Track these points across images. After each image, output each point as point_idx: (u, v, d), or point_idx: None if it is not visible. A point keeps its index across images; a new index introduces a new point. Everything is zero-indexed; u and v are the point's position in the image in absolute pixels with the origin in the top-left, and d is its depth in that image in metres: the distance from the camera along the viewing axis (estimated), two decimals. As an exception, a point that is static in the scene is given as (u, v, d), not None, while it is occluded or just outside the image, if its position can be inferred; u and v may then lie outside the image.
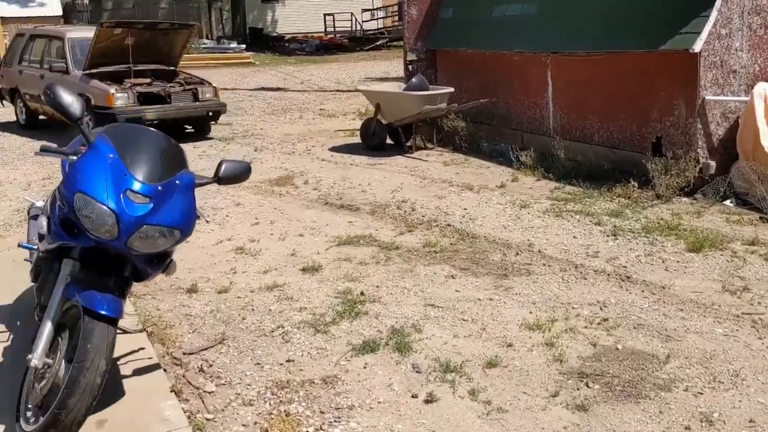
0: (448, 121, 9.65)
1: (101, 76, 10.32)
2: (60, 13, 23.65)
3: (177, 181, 3.09)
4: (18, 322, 4.12)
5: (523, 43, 8.95)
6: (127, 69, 10.49)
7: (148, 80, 10.65)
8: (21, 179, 8.32)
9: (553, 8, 8.65)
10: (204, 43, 27.76)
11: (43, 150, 3.18)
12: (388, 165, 8.69)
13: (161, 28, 11.12)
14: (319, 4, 40.59)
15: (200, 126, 11.07)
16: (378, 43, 31.93)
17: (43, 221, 3.11)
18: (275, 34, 36.81)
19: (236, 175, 3.40)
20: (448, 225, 6.14)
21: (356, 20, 34.83)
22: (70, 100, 3.04)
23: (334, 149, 9.79)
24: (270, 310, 4.42)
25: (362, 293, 4.61)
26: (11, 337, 3.97)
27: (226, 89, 17.58)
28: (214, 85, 11.20)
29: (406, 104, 9.22)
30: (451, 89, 9.50)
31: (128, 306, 4.31)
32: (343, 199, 7.12)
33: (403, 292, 4.67)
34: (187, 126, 11.20)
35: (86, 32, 11.34)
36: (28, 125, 11.86)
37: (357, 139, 10.04)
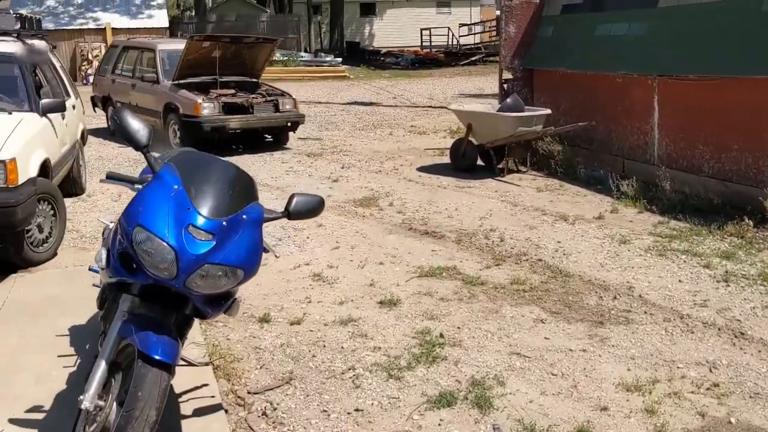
0: (543, 143, 9.19)
1: (189, 87, 10.67)
2: (167, 24, 24.49)
3: (244, 216, 2.86)
4: (87, 346, 4.01)
5: (627, 64, 8.40)
6: (213, 80, 10.85)
7: (232, 91, 10.92)
8: (113, 189, 8.42)
9: (663, 27, 8.06)
10: (301, 56, 28.15)
11: (109, 177, 3.03)
12: (478, 189, 8.31)
13: (246, 42, 11.42)
14: (416, 19, 40.64)
15: (279, 136, 11.37)
16: (474, 59, 31.53)
17: (103, 253, 2.95)
18: (371, 48, 37.04)
19: (308, 210, 3.15)
20: (540, 260, 5.71)
21: (453, 35, 34.56)
22: (137, 127, 2.87)
23: (422, 169, 9.49)
24: (342, 347, 4.15)
25: (441, 335, 4.26)
26: (78, 362, 3.85)
27: (320, 103, 17.65)
28: (294, 96, 11.53)
29: (500, 125, 8.83)
30: (548, 111, 9.04)
31: (197, 334, 4.15)
32: (428, 224, 6.80)
33: (486, 335, 4.30)
34: (267, 135, 11.48)
35: (175, 44, 11.91)
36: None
37: (446, 159, 9.72)
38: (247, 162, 10.00)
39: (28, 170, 5.28)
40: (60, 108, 6.25)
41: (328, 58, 28.53)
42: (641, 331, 4.35)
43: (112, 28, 23.28)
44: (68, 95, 7.78)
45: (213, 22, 29.00)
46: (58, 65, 7.87)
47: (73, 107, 7.74)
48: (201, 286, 2.71)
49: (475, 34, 35.89)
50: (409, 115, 15.46)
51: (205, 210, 2.74)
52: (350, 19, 40.44)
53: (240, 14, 31.75)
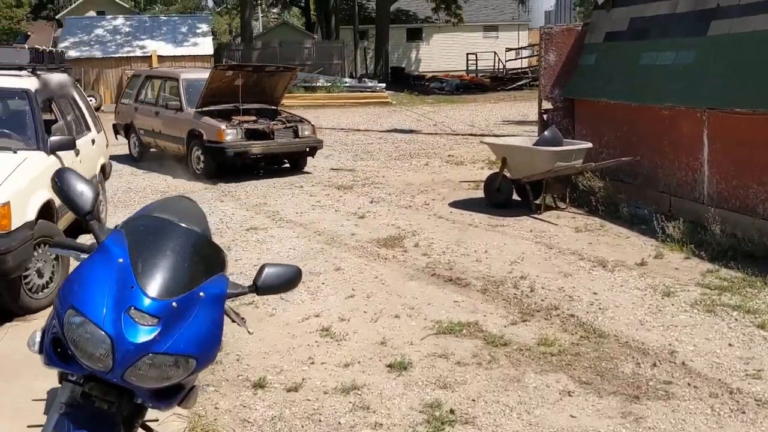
0: (583, 179, 8.63)
1: (212, 114, 10.91)
2: (211, 52, 24.68)
3: (201, 293, 2.43)
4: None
5: (675, 95, 7.81)
6: (234, 107, 11.12)
7: (253, 118, 11.14)
8: (134, 224, 8.15)
9: (712, 56, 7.46)
10: (345, 82, 28.03)
11: (54, 246, 2.65)
12: (511, 227, 7.79)
13: (268, 70, 11.78)
14: (462, 43, 40.31)
15: (297, 161, 11.65)
16: (520, 83, 30.96)
17: (37, 337, 2.56)
18: (416, 73, 36.80)
19: (280, 284, 2.67)
20: (572, 315, 5.17)
21: (499, 59, 34.07)
22: (80, 190, 2.48)
23: (454, 204, 9.02)
24: (340, 423, 3.69)
25: (452, 411, 3.77)
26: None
27: (358, 130, 17.34)
28: (313, 124, 11.78)
29: (536, 160, 8.31)
30: (588, 145, 8.48)
31: (181, 404, 3.74)
32: (453, 269, 6.31)
33: (504, 411, 3.79)
34: (285, 160, 11.79)
35: (198, 74, 12.27)
36: (140, 158, 12.78)
37: (481, 194, 9.22)
38: (274, 194, 9.69)
39: (26, 213, 5.01)
40: (69, 146, 6.00)
41: (371, 84, 28.35)
42: (683, 409, 3.78)
43: (158, 56, 23.53)
44: (88, 129, 7.58)
45: (258, 49, 29.16)
46: (79, 98, 7.68)
47: (93, 141, 7.53)
48: (143, 379, 2.29)
49: (522, 58, 35.35)
50: (448, 143, 15.01)
51: (151, 288, 2.33)
52: (396, 44, 40.36)
53: (284, 41, 31.91)
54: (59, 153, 6.05)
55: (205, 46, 24.80)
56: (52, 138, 5.91)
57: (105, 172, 8.13)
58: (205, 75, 11.35)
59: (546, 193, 8.52)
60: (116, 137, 13.33)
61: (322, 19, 40.22)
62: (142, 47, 24.08)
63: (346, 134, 16.69)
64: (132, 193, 10.00)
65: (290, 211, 8.68)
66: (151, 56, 23.38)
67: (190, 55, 24.03)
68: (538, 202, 8.52)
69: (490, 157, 12.09)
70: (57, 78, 7.14)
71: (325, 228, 7.84)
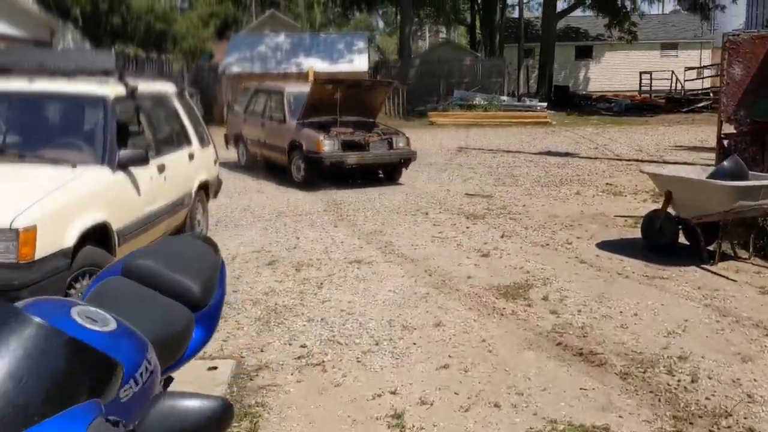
0: (774, 223, 6.75)
1: (312, 125, 11.29)
2: (365, 69, 24.27)
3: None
4: None
5: None
6: (333, 120, 11.47)
7: (350, 130, 11.41)
8: (239, 249, 7.38)
9: None
10: (502, 100, 26.57)
11: None
12: (673, 281, 6.11)
13: (366, 84, 12.55)
14: (636, 62, 37.40)
15: (391, 172, 11.83)
16: (699, 105, 27.87)
17: None
18: (583, 93, 34.51)
19: None
20: (750, 430, 3.55)
21: (677, 79, 31.01)
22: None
23: (603, 245, 7.42)
24: None
25: None
26: None
27: (508, 152, 15.91)
28: (408, 137, 11.99)
29: (711, 196, 6.55)
30: (783, 180, 6.60)
31: None
32: (587, 337, 4.83)
33: None
34: (379, 171, 11.97)
35: (302, 88, 12.69)
36: (248, 166, 13.17)
37: (638, 233, 7.56)
38: (393, 221, 8.59)
39: (61, 239, 4.23)
40: (139, 160, 5.24)
41: (531, 103, 26.66)
42: None
43: (314, 72, 23.42)
44: (186, 144, 6.89)
45: (416, 66, 28.48)
46: (183, 110, 7.02)
47: (191, 156, 6.82)
48: None
49: (703, 78, 31.98)
50: (608, 169, 13.19)
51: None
52: (564, 62, 38.25)
53: (442, 58, 31.01)
54: (133, 170, 5.31)
55: (361, 63, 24.42)
56: (122, 152, 5.17)
57: (208, 189, 7.42)
58: (307, 89, 11.82)
59: (723, 238, 6.73)
60: (227, 147, 13.71)
61: (487, 36, 39.05)
62: (298, 64, 24.11)
63: (493, 155, 15.32)
64: (248, 213, 9.31)
65: (405, 243, 7.52)
66: (306, 73, 23.33)
67: (344, 72, 23.73)
68: (711, 248, 6.75)
69: (656, 189, 10.26)
70: (151, 87, 6.49)
71: (439, 266, 6.60)
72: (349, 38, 26.53)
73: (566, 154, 15.50)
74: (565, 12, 35.15)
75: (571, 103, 29.97)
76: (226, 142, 13.75)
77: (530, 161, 14.42)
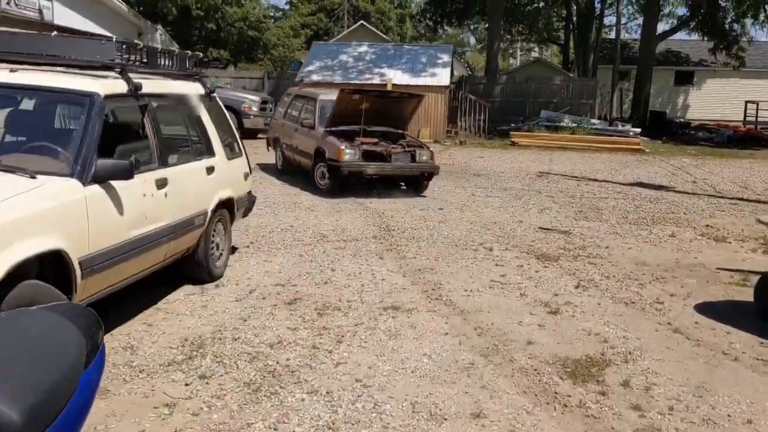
0: None
1: (338, 134, 11.14)
2: (447, 83, 23.00)
3: None
4: None
5: None
6: (360, 129, 11.31)
7: (375, 140, 11.29)
8: (255, 278, 6.30)
9: None
10: (593, 123, 24.76)
11: None
12: (800, 371, 4.60)
13: (392, 96, 12.22)
14: (743, 90, 34.62)
15: (415, 184, 11.62)
16: (813, 140, 25.19)
17: None
18: (680, 120, 32.09)
19: None
20: None
21: (787, 110, 28.28)
22: None
23: (703, 308, 5.92)
24: None
25: None
26: None
27: (594, 180, 14.32)
28: (432, 150, 11.81)
29: None
30: None
31: None
32: (682, 455, 3.44)
33: None
34: (401, 183, 11.87)
35: (335, 95, 11.88)
36: (283, 170, 13.18)
37: (749, 294, 6.03)
38: (449, 257, 7.32)
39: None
40: (121, 173, 4.21)
41: (623, 128, 24.73)
42: None
43: (393, 84, 22.38)
44: (207, 154, 5.87)
45: (502, 84, 27.02)
46: (206, 115, 6.01)
47: (209, 170, 5.79)
48: None
49: (819, 110, 29.08)
50: (708, 208, 11.45)
51: None
52: (662, 87, 35.84)
53: (532, 76, 29.42)
54: (116, 185, 4.29)
55: (443, 77, 23.18)
56: (100, 162, 4.16)
57: (233, 208, 6.37)
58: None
59: None
60: (267, 149, 14.19)
61: (580, 56, 37.14)
62: (381, 75, 23.08)
63: (577, 183, 13.77)
64: (289, 234, 8.24)
65: (458, 286, 6.25)
66: (386, 84, 22.29)
67: (425, 86, 22.57)
68: None
69: (768, 235, 8.61)
70: (164, 86, 5.50)
71: (493, 323, 5.29)
72: (433, 51, 25.35)
73: (660, 187, 13.77)
74: (666, 34, 32.89)
75: (668, 130, 27.75)
76: (268, 145, 14.28)
77: (618, 192, 12.81)
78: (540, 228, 9.10)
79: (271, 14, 57.66)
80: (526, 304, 5.85)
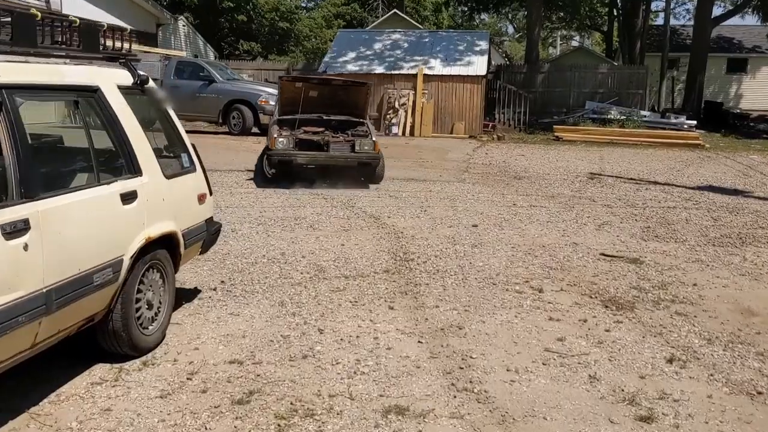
0: None
1: (286, 122, 10.95)
2: (483, 72, 20.77)
3: None
4: None
5: None
6: (318, 118, 11.12)
7: (320, 129, 10.91)
8: (209, 351, 4.37)
9: None
10: (643, 116, 22.30)
11: None
12: None
13: (336, 83, 11.80)
14: (800, 78, 31.65)
15: (369, 175, 10.93)
16: None
17: None
18: (737, 111, 29.31)
19: None
20: None
21: None
22: None
23: None
24: None
25: None
26: None
27: (655, 183, 12.08)
28: (375, 140, 10.83)
29: None
30: None
31: None
32: None
33: None
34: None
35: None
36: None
37: None
38: (485, 303, 5.28)
39: None
40: None
41: (676, 120, 22.21)
42: None
43: (425, 75, 20.27)
44: (127, 172, 3.95)
45: (543, 72, 24.66)
46: (126, 117, 4.07)
47: (126, 197, 3.85)
48: None
49: None
50: (804, 220, 9.17)
51: None
52: (714, 76, 32.95)
53: (575, 65, 26.96)
54: None
55: (479, 66, 20.93)
56: None
57: (179, 245, 4.43)
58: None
59: None
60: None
61: (626, 44, 34.40)
62: (416, 64, 20.90)
63: (636, 188, 11.56)
64: (275, 266, 6.29)
65: (497, 361, 4.22)
66: (416, 75, 20.19)
67: (459, 75, 20.39)
68: None
69: None
70: (42, 74, 3.57)
71: (552, 447, 3.28)
72: (470, 38, 23.07)
73: (735, 192, 11.48)
74: (721, 18, 30.07)
75: (725, 122, 25.12)
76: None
77: (688, 199, 10.57)
78: (602, 255, 6.98)
79: (303, 4, 55.86)
80: (601, 399, 3.79)
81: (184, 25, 27.79)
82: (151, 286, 4.18)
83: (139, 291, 4.03)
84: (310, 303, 5.22)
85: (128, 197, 3.87)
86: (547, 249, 7.18)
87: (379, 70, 20.82)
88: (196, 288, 5.47)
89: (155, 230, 4.10)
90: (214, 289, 5.44)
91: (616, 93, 23.71)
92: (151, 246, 4.08)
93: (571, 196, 10.58)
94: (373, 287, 5.65)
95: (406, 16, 39.30)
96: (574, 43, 62.39)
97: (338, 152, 10.58)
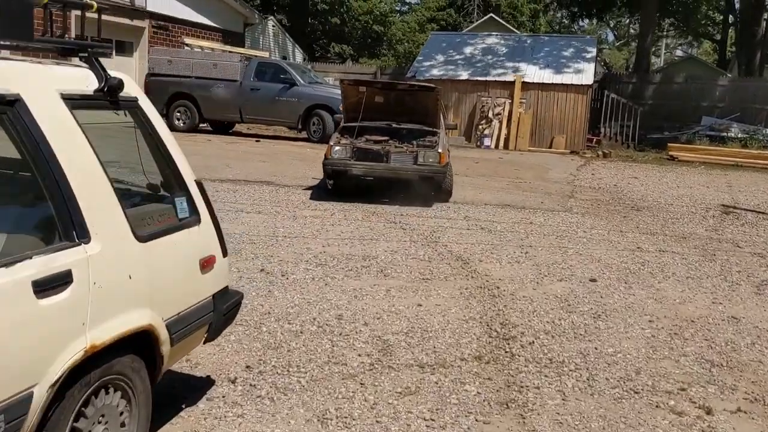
0: None
1: (346, 131, 9.78)
2: (590, 82, 18.52)
3: None
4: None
5: None
6: (387, 126, 9.88)
7: (384, 138, 9.58)
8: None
9: None
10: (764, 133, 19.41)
11: None
12: None
13: (401, 88, 10.32)
14: None
15: (431, 189, 9.48)
16: None
17: None
18: None
19: None
20: None
21: None
22: None
23: None
24: None
25: None
26: None
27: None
28: (441, 151, 9.23)
29: None
30: None
31: None
32: None
33: None
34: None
35: None
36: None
37: None
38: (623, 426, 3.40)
39: None
40: None
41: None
42: None
43: (523, 82, 18.22)
44: (72, 234, 2.35)
45: (655, 83, 22.06)
46: (68, 147, 2.46)
47: (42, 285, 2.23)
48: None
49: None
50: None
51: None
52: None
53: (692, 75, 24.13)
54: None
55: (586, 74, 18.70)
56: None
57: (158, 345, 2.78)
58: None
59: None
60: None
61: (742, 55, 30.99)
62: (514, 70, 18.90)
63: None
64: (323, 342, 4.58)
65: None
66: (514, 82, 18.16)
67: (561, 84, 18.22)
68: None
69: None
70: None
71: None
72: (577, 43, 20.82)
73: None
74: None
75: None
76: None
77: None
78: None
79: (397, 8, 54.39)
80: None
81: (273, 26, 26.79)
82: (102, 416, 2.54)
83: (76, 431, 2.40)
84: (364, 418, 3.48)
85: (50, 285, 2.23)
86: (698, 326, 5.16)
87: (465, 75, 18.91)
88: (208, 377, 3.83)
89: (108, 332, 2.46)
90: (233, 381, 3.79)
91: (739, 108, 20.84)
92: (99, 357, 2.44)
93: (707, 238, 8.40)
94: (458, 389, 3.85)
95: (502, 21, 37.08)
96: (678, 53, 58.20)
97: (399, 164, 9.26)
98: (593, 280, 6.23)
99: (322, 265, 6.20)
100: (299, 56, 29.08)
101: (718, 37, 38.56)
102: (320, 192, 9.83)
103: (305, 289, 5.46)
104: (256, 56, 17.53)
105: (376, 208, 8.98)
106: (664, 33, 42.87)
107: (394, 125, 9.87)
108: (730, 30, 36.32)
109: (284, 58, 25.67)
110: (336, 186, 9.56)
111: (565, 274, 6.40)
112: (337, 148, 9.31)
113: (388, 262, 6.44)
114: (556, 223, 8.73)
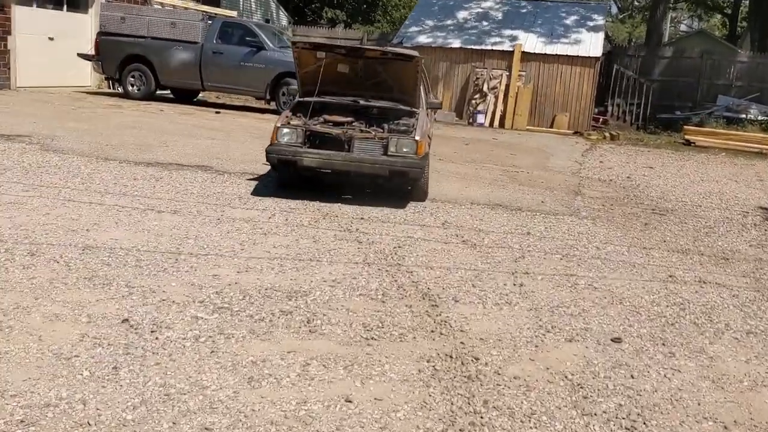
0: None
1: (301, 107, 7.58)
2: (598, 54, 16.36)
3: None
4: None
5: None
6: (352, 102, 7.62)
7: (348, 119, 7.35)
8: None
9: None
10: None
11: None
12: None
13: (371, 56, 7.72)
14: None
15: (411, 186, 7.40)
16: None
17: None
18: None
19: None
20: None
21: None
22: None
23: None
24: None
25: None
26: None
27: None
28: (419, 139, 7.04)
29: None
30: None
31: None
32: None
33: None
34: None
35: None
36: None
37: None
38: None
39: None
40: None
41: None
42: None
43: (522, 53, 16.03)
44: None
45: (667, 57, 19.87)
46: None
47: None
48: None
49: None
50: None
51: None
52: None
53: (707, 50, 21.88)
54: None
55: (592, 45, 16.53)
56: None
57: None
58: None
59: None
60: None
61: (755, 29, 28.70)
62: (512, 38, 16.72)
63: None
64: None
65: None
66: (512, 52, 15.97)
67: (566, 55, 16.07)
68: None
69: None
70: None
71: None
72: (583, 10, 18.59)
73: None
74: None
75: None
76: None
77: None
78: None
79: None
80: None
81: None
82: None
83: None
84: None
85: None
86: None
87: (457, 43, 16.71)
88: None
89: None
90: None
91: (757, 88, 18.71)
92: None
93: (755, 259, 6.38)
94: None
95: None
96: (683, 28, 55.54)
97: (364, 153, 7.13)
98: (617, 340, 4.22)
99: (222, 309, 4.17)
100: (284, 20, 26.68)
101: (729, 11, 36.17)
102: (267, 183, 7.80)
103: (175, 364, 3.43)
104: (219, 15, 15.26)
105: (331, 208, 6.94)
106: (672, 5, 40.34)
107: (362, 102, 7.69)
108: (741, 3, 33.96)
109: (267, 21, 23.30)
110: (283, 179, 7.53)
111: (576, 326, 4.38)
112: (285, 130, 7.19)
113: (322, 303, 4.41)
114: (560, 234, 6.70)
